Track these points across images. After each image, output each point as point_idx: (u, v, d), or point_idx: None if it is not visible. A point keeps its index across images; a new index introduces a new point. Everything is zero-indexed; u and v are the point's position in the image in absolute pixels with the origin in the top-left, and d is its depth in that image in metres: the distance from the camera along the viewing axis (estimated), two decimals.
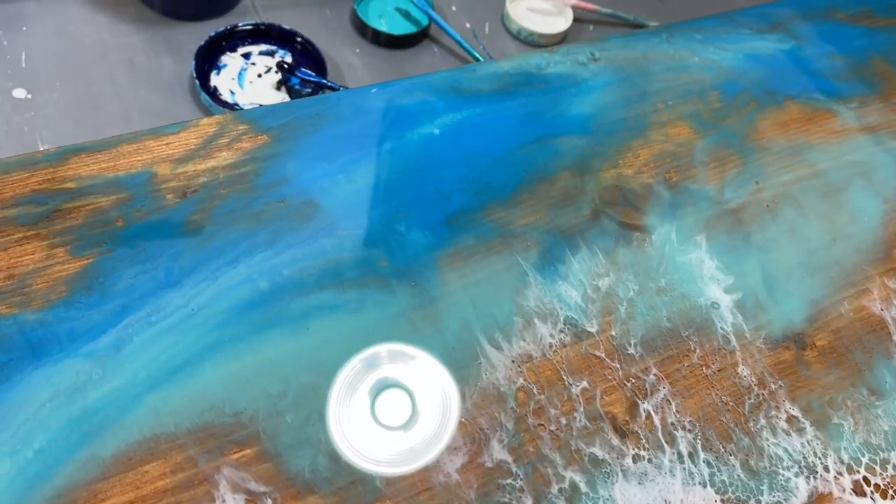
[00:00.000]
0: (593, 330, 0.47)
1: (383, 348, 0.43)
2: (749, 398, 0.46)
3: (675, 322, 0.48)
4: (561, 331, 0.46)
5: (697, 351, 0.47)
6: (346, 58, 0.76)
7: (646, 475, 0.42)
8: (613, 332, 0.47)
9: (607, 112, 0.57)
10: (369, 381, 0.42)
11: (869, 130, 0.61)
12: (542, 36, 0.81)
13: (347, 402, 0.41)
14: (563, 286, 0.48)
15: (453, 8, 0.82)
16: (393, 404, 0.42)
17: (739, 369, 0.47)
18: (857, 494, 0.44)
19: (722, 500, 0.42)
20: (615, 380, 0.45)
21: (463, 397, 0.43)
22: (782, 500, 0.43)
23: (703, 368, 0.47)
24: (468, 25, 0.81)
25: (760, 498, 0.43)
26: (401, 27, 0.79)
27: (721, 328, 0.48)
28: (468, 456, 0.41)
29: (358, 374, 0.42)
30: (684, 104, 0.59)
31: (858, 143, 0.60)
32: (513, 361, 0.44)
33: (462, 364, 0.44)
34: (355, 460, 0.40)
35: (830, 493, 0.43)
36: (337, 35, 0.77)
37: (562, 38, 0.82)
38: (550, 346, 0.45)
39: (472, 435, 0.42)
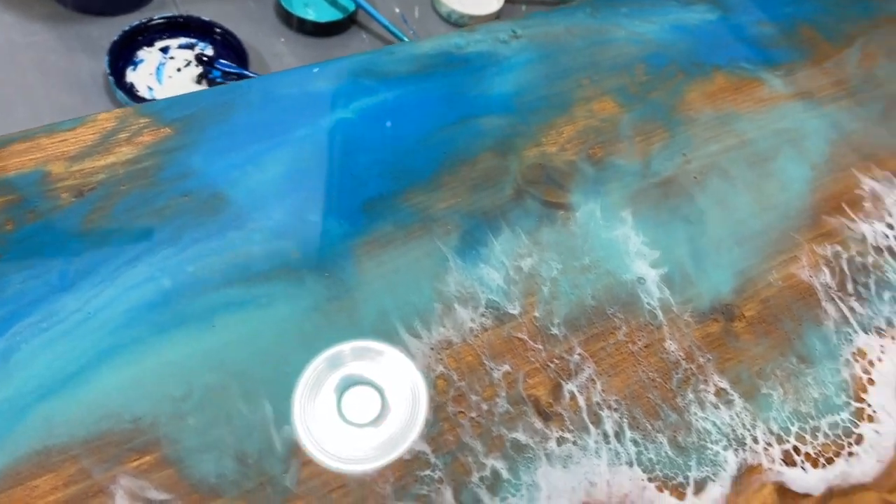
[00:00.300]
0: (516, 312, 0.45)
1: (347, 346, 0.42)
2: (677, 373, 0.45)
3: (601, 299, 0.47)
4: (482, 315, 0.45)
5: (623, 328, 0.46)
6: (272, 48, 0.74)
7: (570, 458, 0.41)
8: (536, 314, 0.45)
9: (530, 90, 0.56)
10: (333, 379, 0.41)
11: (797, 97, 0.60)
12: (472, 18, 0.79)
13: (312, 402, 0.40)
14: (485, 269, 0.46)
15: None
16: (360, 401, 0.41)
17: (667, 344, 0.46)
18: (787, 464, 0.43)
19: (649, 479, 0.41)
20: (538, 362, 0.44)
21: None
22: (711, 475, 0.42)
23: (630, 345, 0.46)
24: (397, 10, 0.79)
25: (689, 474, 0.42)
26: (327, 14, 0.77)
27: (647, 303, 0.47)
28: None
29: (322, 372, 0.41)
30: (610, 79, 0.58)
31: (787, 111, 0.59)
32: (432, 349, 0.43)
33: None
34: (324, 460, 0.38)
35: (760, 465, 0.43)
36: (261, 25, 0.75)
37: (494, 20, 0.81)
38: (471, 330, 0.44)
39: None
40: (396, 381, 0.42)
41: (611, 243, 0.49)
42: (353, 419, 0.40)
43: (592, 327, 0.46)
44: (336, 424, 0.40)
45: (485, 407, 0.42)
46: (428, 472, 0.39)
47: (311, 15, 0.75)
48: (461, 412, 0.41)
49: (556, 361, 0.44)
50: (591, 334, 0.45)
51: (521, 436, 0.41)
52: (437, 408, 0.41)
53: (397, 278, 0.45)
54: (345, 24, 0.76)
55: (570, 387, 0.43)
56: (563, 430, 0.42)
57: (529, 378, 0.43)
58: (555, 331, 0.45)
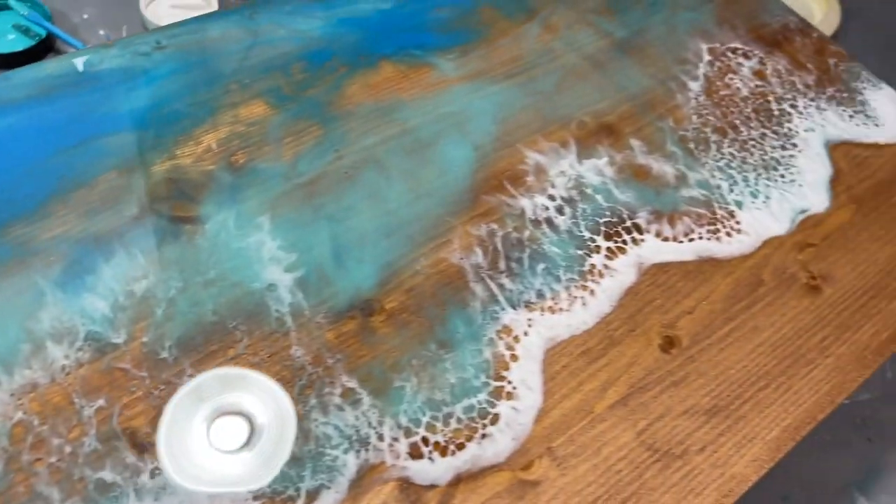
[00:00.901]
0: (120, 341, 0.42)
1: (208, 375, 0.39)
2: (301, 379, 0.43)
3: (222, 314, 0.44)
4: (79, 349, 0.42)
5: (245, 340, 0.44)
6: None
7: (164, 489, 0.38)
8: (145, 339, 0.43)
9: (169, 102, 0.53)
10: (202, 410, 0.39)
11: (467, 79, 0.60)
12: None
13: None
14: (90, 299, 0.43)
15: (85, 16, 0.76)
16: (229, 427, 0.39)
17: (293, 350, 0.44)
18: (413, 458, 0.42)
19: (254, 497, 0.39)
20: (141, 390, 0.41)
21: None
22: (326, 482, 0.40)
23: (251, 358, 0.43)
24: (102, 32, 0.76)
25: (301, 485, 0.40)
26: (13, 44, 0.72)
27: (276, 311, 0.45)
28: None
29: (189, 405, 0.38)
30: (263, 81, 0.56)
31: (455, 94, 0.58)
32: (12, 395, 0.40)
33: None
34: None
35: (382, 463, 0.41)
36: None
37: None
38: (63, 368, 0.41)
39: None
40: (265, 404, 0.39)
41: (242, 252, 0.47)
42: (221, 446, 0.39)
43: (209, 345, 0.43)
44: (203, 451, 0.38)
45: (68, 449, 0.39)
46: None
47: None
48: (38, 459, 0.38)
49: (163, 388, 0.41)
50: (207, 352, 0.43)
51: (107, 474, 0.38)
52: (8, 459, 0.38)
53: None
54: (39, 53, 0.72)
55: None
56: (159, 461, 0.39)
57: (127, 410, 0.40)
58: (165, 355, 0.42)
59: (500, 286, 0.49)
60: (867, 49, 1.05)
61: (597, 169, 0.56)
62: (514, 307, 0.48)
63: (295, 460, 0.40)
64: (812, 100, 0.65)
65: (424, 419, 0.43)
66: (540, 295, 0.49)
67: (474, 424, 0.43)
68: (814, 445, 0.69)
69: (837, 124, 0.64)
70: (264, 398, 0.41)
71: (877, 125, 0.64)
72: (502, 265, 0.50)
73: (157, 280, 0.45)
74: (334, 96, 0.56)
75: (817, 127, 0.63)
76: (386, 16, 0.62)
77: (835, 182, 0.59)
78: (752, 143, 0.61)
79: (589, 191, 0.55)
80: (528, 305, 0.48)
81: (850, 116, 0.65)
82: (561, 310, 0.49)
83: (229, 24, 0.59)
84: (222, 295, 0.45)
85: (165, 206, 0.48)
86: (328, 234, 0.49)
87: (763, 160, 0.60)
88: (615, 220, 0.54)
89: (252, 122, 0.53)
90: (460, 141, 0.55)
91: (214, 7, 0.77)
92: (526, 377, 0.45)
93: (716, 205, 0.56)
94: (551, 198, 0.54)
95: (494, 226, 0.52)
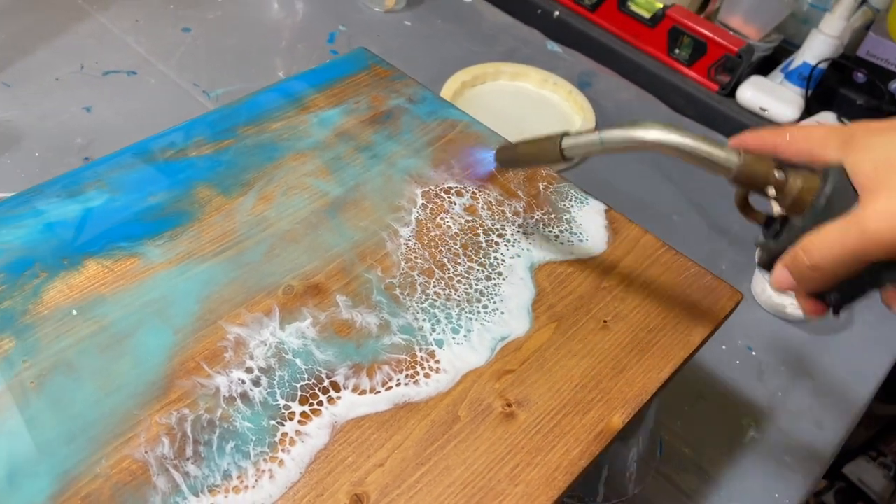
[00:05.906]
0: None
1: None
2: None
3: None
4: None
5: None
6: None
7: None
8: None
9: None
10: None
11: (174, 263, 0.62)
12: None
13: None
14: None
15: None
16: None
17: None
18: None
19: None
20: None
21: None
22: None
23: None
24: None
25: None
26: None
27: None
28: None
29: None
30: None
31: (159, 280, 0.61)
32: None
33: None
34: None
35: None
36: None
37: None
38: None
39: None
40: None
41: None
42: None
43: None
44: None
45: None
46: None
47: None
48: None
49: None
50: None
51: None
52: None
53: None
54: None
55: None
56: None
57: None
58: None
59: (185, 474, 0.50)
60: None
61: (299, 332, 0.59)
62: (196, 495, 0.49)
63: None
64: (520, 226, 0.70)
65: None
66: (226, 476, 0.50)
67: None
68: None
69: (543, 246, 0.69)
70: None
71: (581, 241, 0.70)
72: (189, 451, 0.51)
73: None
74: (31, 304, 0.57)
75: (523, 252, 0.68)
76: (95, 213, 0.65)
77: (536, 304, 0.64)
78: (458, 278, 0.65)
79: (289, 356, 0.57)
80: (212, 490, 0.49)
81: (556, 236, 0.70)
82: (247, 487, 0.50)
83: None
84: None
85: None
86: (6, 453, 0.49)
87: (467, 294, 0.64)
88: (313, 381, 0.56)
89: None
90: (160, 328, 0.57)
91: None
92: None
93: (416, 347, 0.59)
94: (248, 370, 0.56)
95: (186, 410, 0.53)
